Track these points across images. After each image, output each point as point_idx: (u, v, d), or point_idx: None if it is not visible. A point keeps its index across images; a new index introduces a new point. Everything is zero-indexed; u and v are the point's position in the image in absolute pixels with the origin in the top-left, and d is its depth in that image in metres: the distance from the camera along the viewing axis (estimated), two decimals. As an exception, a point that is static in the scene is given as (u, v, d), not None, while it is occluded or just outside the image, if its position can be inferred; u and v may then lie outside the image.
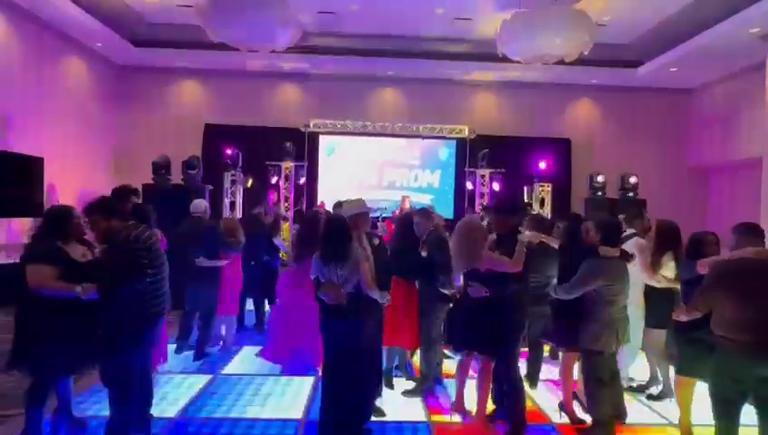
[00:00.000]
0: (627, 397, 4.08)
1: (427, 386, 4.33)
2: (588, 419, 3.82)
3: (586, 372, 3.68)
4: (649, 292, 4.30)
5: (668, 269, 4.17)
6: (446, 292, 4.15)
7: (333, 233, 3.40)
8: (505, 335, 3.54)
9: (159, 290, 3.27)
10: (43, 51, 8.69)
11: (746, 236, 3.12)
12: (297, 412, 3.95)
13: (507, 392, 3.63)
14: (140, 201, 4.44)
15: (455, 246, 3.80)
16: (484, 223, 5.03)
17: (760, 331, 2.86)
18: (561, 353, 4.20)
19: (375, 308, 3.48)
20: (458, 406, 3.98)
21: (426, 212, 4.64)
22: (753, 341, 2.86)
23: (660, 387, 4.50)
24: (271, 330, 4.95)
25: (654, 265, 4.19)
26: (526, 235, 3.60)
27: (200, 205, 5.44)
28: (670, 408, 4.13)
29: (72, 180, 9.36)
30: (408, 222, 4.49)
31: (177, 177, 9.09)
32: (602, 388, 3.59)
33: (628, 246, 4.22)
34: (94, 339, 3.10)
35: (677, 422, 3.74)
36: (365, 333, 3.41)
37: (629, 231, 4.59)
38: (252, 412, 3.96)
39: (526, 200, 10.47)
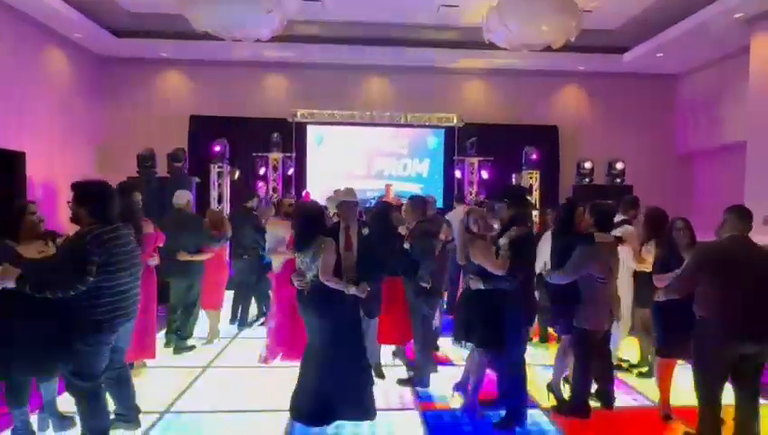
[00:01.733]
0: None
1: (420, 378, 4.33)
2: None
3: (578, 351, 3.76)
4: (638, 272, 4.39)
5: (650, 255, 4.22)
6: (424, 285, 4.10)
7: (299, 219, 3.51)
8: (503, 330, 3.51)
9: (129, 291, 3.09)
10: (20, 42, 8.48)
11: (738, 218, 3.14)
12: (285, 403, 3.95)
13: (507, 386, 3.65)
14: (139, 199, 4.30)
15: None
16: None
17: (742, 310, 2.97)
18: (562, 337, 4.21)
19: (347, 302, 3.37)
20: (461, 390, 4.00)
21: (419, 199, 4.52)
22: (736, 320, 2.97)
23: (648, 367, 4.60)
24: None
25: (640, 253, 4.29)
26: (511, 233, 3.50)
27: (182, 197, 5.24)
28: (655, 389, 4.19)
29: (55, 175, 9.20)
30: (384, 214, 4.31)
31: (162, 169, 8.99)
32: (590, 365, 3.72)
33: (618, 232, 4.32)
34: (58, 342, 2.99)
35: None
36: (327, 327, 3.34)
37: (620, 217, 4.65)
38: (240, 404, 3.96)
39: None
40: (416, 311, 4.24)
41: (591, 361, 3.73)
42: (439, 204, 10.68)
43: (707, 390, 3.12)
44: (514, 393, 3.60)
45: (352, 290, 3.34)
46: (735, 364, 3.06)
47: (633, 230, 4.50)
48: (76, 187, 3.04)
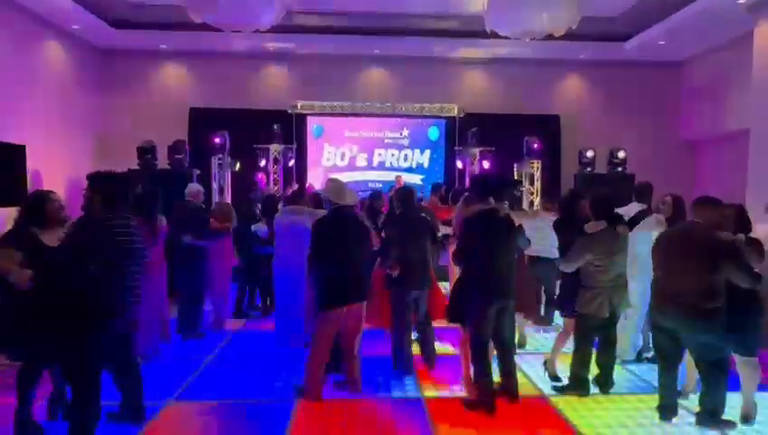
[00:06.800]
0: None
1: (401, 365, 4.37)
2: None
3: (576, 334, 3.96)
4: None
5: None
6: (390, 272, 4.19)
7: None
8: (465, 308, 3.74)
9: (136, 281, 3.16)
10: (18, 35, 8.44)
11: (699, 206, 3.33)
12: (290, 393, 3.97)
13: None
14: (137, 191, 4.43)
15: None
16: None
17: (670, 289, 3.20)
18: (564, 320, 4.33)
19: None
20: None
21: (404, 190, 4.63)
22: (663, 296, 3.24)
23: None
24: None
25: None
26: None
27: (190, 189, 5.46)
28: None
29: (56, 167, 9.20)
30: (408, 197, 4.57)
31: (163, 162, 8.98)
32: (585, 348, 3.89)
33: (650, 221, 4.36)
34: (71, 329, 2.96)
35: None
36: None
37: (639, 207, 4.63)
38: (245, 394, 3.99)
39: (516, 177, 10.51)
40: (391, 298, 4.34)
41: (588, 344, 3.89)
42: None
43: (662, 366, 3.39)
44: (474, 376, 3.71)
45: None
46: (689, 346, 3.24)
47: (664, 221, 4.32)
48: (91, 176, 3.17)
